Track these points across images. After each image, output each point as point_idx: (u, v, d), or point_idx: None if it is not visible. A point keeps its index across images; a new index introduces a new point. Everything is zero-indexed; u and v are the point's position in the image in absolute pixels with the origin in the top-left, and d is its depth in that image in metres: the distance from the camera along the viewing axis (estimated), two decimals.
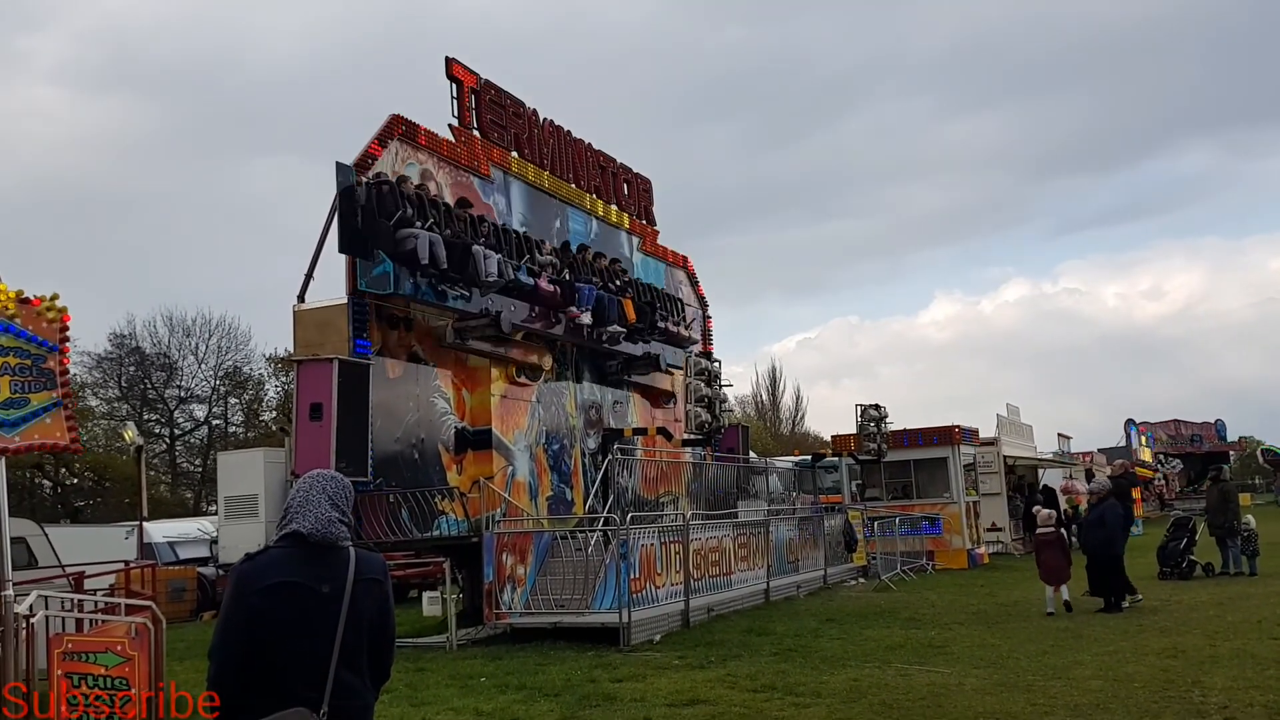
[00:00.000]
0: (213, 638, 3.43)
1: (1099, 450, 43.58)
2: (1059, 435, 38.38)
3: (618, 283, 18.26)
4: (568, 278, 16.65)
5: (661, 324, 19.27)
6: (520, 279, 15.23)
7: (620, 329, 17.57)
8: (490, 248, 14.63)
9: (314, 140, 75.98)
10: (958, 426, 24.55)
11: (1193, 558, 17.81)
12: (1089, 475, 22.98)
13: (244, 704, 3.34)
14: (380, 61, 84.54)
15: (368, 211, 13.07)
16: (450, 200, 15.20)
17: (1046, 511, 14.15)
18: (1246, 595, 14.83)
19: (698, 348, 21.66)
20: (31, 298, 8.14)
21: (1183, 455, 51.78)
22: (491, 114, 16.85)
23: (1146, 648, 10.61)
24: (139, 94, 71.45)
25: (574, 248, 17.94)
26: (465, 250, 13.99)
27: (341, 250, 13.13)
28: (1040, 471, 31.83)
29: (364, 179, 13.30)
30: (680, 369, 20.43)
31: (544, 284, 15.75)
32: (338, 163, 13.35)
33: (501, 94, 17.15)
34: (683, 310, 20.92)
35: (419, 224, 13.61)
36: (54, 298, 8.14)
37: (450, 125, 16.08)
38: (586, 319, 16.55)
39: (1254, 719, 7.34)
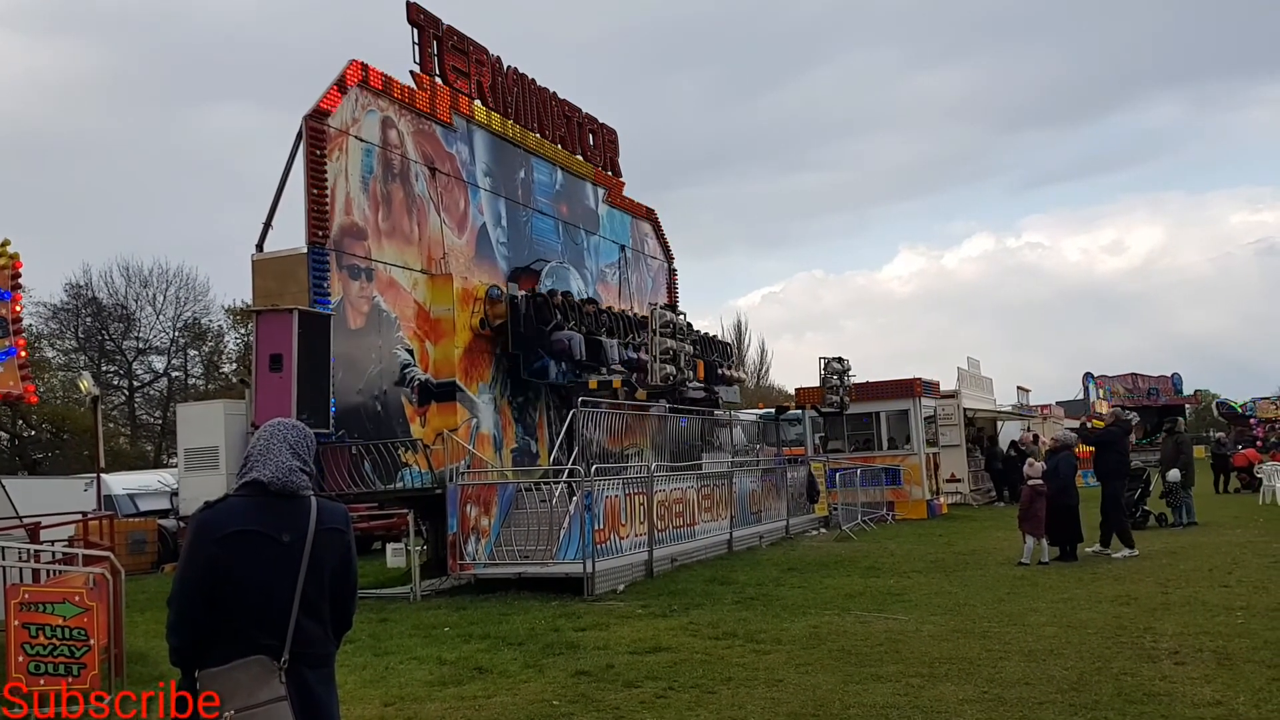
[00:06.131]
0: (172, 585, 3.41)
1: (1057, 403, 44.10)
2: (1018, 388, 38.77)
3: (691, 347, 21.05)
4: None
5: (721, 371, 22.79)
6: (630, 356, 18.59)
7: (699, 385, 20.71)
8: (608, 331, 18.66)
9: (271, 86, 74.69)
10: (919, 379, 24.76)
11: (1146, 508, 18.14)
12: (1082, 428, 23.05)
13: (204, 652, 3.32)
14: (340, 4, 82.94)
15: (528, 318, 16.72)
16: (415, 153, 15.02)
17: (1040, 464, 14.21)
18: (1198, 544, 15.16)
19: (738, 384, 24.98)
20: None
21: (1140, 408, 52.29)
22: (454, 60, 16.58)
23: (1100, 595, 10.84)
24: (90, 37, 69.72)
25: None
26: (598, 344, 18.16)
27: (513, 349, 16.61)
28: (999, 424, 32.21)
29: (523, 292, 16.88)
30: (735, 404, 23.94)
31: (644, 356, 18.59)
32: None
33: (464, 40, 16.85)
34: (732, 354, 24.91)
35: (568, 325, 17.30)
36: (5, 244, 7.98)
37: (412, 72, 15.79)
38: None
39: (1203, 663, 7.51)
